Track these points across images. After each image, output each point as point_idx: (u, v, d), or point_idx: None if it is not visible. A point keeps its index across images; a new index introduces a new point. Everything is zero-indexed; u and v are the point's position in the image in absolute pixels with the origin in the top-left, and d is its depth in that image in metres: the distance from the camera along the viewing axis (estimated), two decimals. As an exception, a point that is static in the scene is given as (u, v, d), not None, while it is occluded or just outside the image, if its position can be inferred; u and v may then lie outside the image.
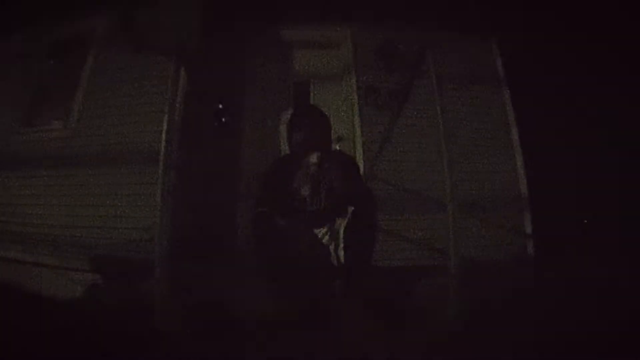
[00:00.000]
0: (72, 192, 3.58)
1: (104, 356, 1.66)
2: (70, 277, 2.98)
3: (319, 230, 2.06)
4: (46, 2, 3.75)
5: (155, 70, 3.53)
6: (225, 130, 3.65)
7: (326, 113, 2.30)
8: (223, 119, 2.35)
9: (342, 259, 1.98)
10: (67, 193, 3.58)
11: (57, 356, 1.67)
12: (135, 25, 3.75)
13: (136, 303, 2.27)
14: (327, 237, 2.04)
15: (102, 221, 3.45)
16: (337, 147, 2.14)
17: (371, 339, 1.84)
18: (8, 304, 2.16)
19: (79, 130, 3.78)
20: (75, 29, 4.08)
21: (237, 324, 2.00)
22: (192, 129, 3.41)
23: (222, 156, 3.64)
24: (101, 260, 3.14)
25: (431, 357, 1.77)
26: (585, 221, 3.68)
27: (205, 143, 3.52)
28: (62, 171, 3.64)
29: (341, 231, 1.99)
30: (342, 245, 1.98)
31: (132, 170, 3.45)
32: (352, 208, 1.97)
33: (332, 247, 2.03)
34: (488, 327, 1.97)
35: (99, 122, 3.75)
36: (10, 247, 3.33)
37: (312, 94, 4.08)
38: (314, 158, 2.05)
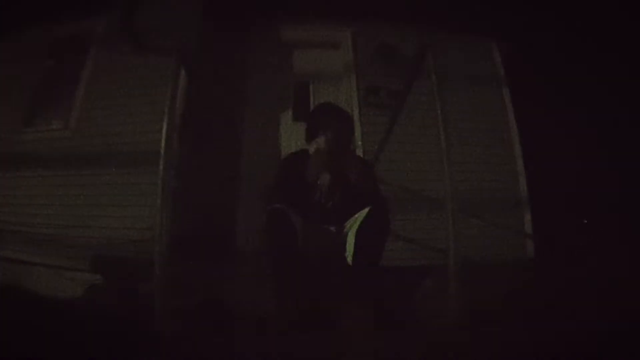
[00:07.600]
0: (72, 192, 3.58)
1: (104, 356, 1.65)
2: (70, 277, 2.98)
3: (330, 228, 2.06)
4: (46, 2, 3.75)
5: (155, 71, 3.54)
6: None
7: (350, 114, 2.28)
8: None
9: (350, 258, 1.97)
10: (67, 193, 3.58)
11: (57, 356, 1.67)
12: (135, 25, 3.75)
13: (136, 303, 2.27)
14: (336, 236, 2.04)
15: (102, 221, 3.45)
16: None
17: (371, 339, 1.84)
18: (8, 304, 2.16)
19: (79, 130, 3.78)
20: (75, 29, 4.09)
21: (238, 324, 1.99)
22: (192, 129, 3.41)
23: (222, 156, 3.64)
24: (101, 260, 3.14)
25: (431, 357, 1.77)
26: (585, 221, 3.68)
27: (205, 143, 3.52)
28: (62, 171, 3.64)
29: (353, 231, 1.98)
30: (352, 245, 1.97)
31: (132, 171, 3.46)
32: (367, 209, 1.96)
33: (340, 246, 2.02)
34: (488, 327, 1.97)
35: (99, 122, 3.75)
36: (10, 247, 3.33)
37: (312, 94, 4.08)
38: (332, 156, 2.04)
